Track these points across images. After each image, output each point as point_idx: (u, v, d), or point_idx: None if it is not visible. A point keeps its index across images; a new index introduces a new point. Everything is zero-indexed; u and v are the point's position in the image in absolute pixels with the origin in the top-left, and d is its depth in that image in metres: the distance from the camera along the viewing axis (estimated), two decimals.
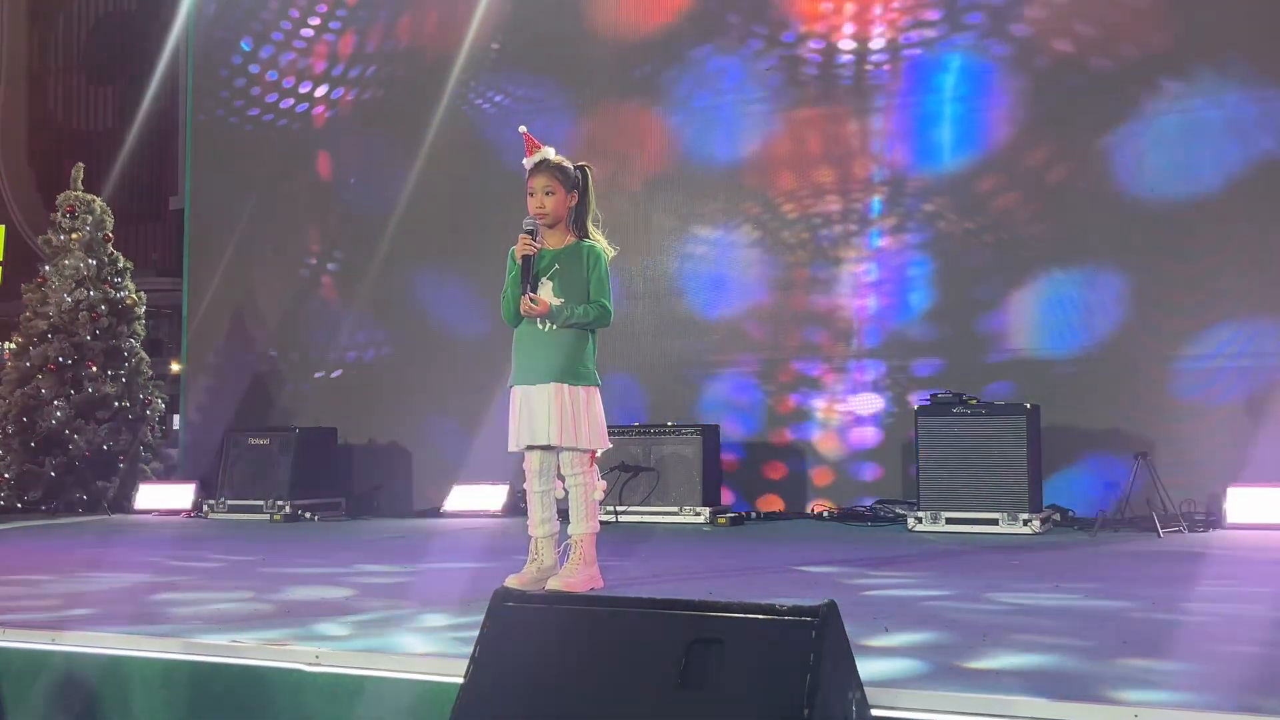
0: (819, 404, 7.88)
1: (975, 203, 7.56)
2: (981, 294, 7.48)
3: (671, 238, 8.37)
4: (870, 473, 7.69)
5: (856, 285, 7.85)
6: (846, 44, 7.88)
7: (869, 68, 7.83)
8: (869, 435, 7.72)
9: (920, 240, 7.70)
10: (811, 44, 7.99)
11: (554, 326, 4.08)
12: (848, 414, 7.77)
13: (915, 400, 7.22)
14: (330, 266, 9.69)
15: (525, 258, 4.05)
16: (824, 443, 7.84)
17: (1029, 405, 6.47)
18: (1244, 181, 6.85)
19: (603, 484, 4.18)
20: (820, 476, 7.81)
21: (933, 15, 7.69)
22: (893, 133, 7.81)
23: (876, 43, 7.81)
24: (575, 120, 8.69)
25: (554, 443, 4.04)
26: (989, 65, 7.54)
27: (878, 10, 7.81)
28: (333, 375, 9.55)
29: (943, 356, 7.55)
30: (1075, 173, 7.29)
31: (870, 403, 7.73)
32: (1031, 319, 7.33)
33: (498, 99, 9.03)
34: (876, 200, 7.84)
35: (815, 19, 7.98)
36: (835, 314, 7.89)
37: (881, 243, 7.81)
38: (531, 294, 4.03)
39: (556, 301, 4.07)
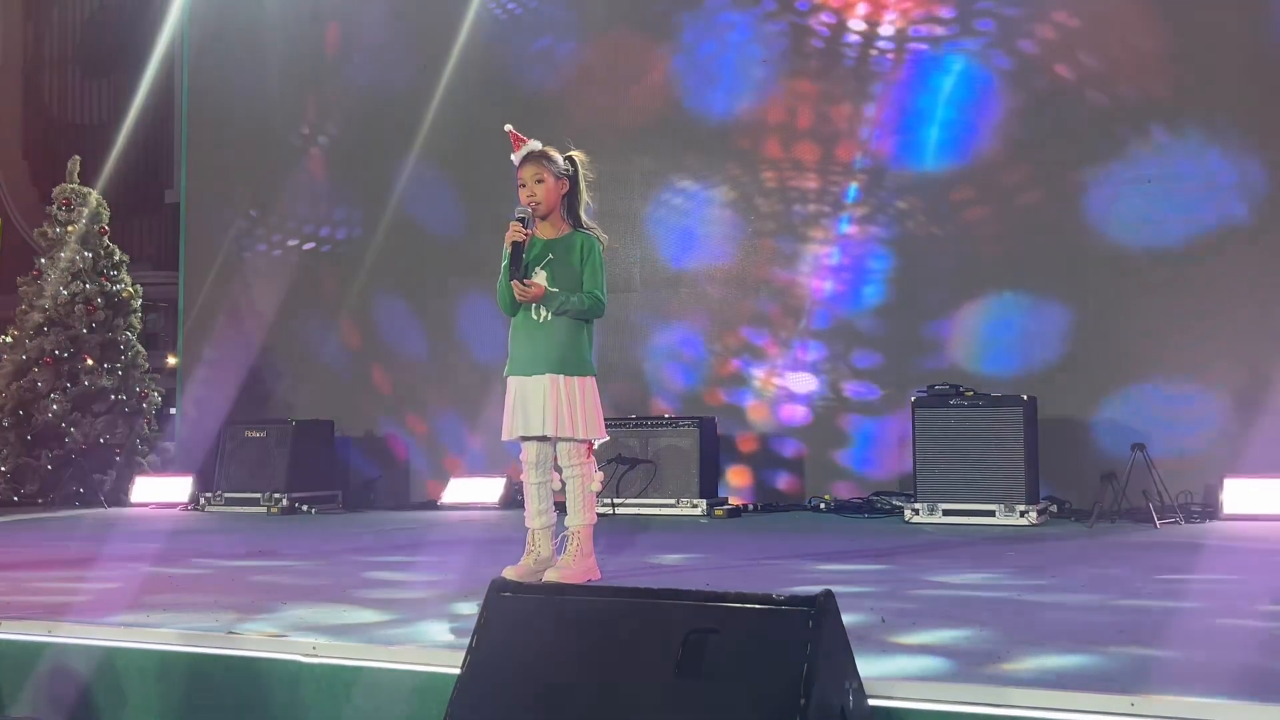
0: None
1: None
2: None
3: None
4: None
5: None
6: (856, 24, 7.84)
7: (873, 53, 7.80)
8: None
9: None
10: (823, 17, 7.93)
11: (549, 317, 4.08)
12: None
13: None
14: (325, 249, 9.69)
15: (515, 244, 4.05)
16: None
17: (1026, 397, 6.47)
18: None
19: (600, 475, 4.19)
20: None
21: (946, 13, 7.63)
22: (882, 123, 7.80)
23: (886, 29, 7.77)
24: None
25: (550, 434, 4.04)
26: (989, 76, 7.49)
27: None
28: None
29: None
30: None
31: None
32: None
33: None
34: (853, 186, 7.86)
35: None
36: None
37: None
38: (524, 280, 4.03)
39: (552, 289, 4.07)
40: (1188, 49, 7.01)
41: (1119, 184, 7.10)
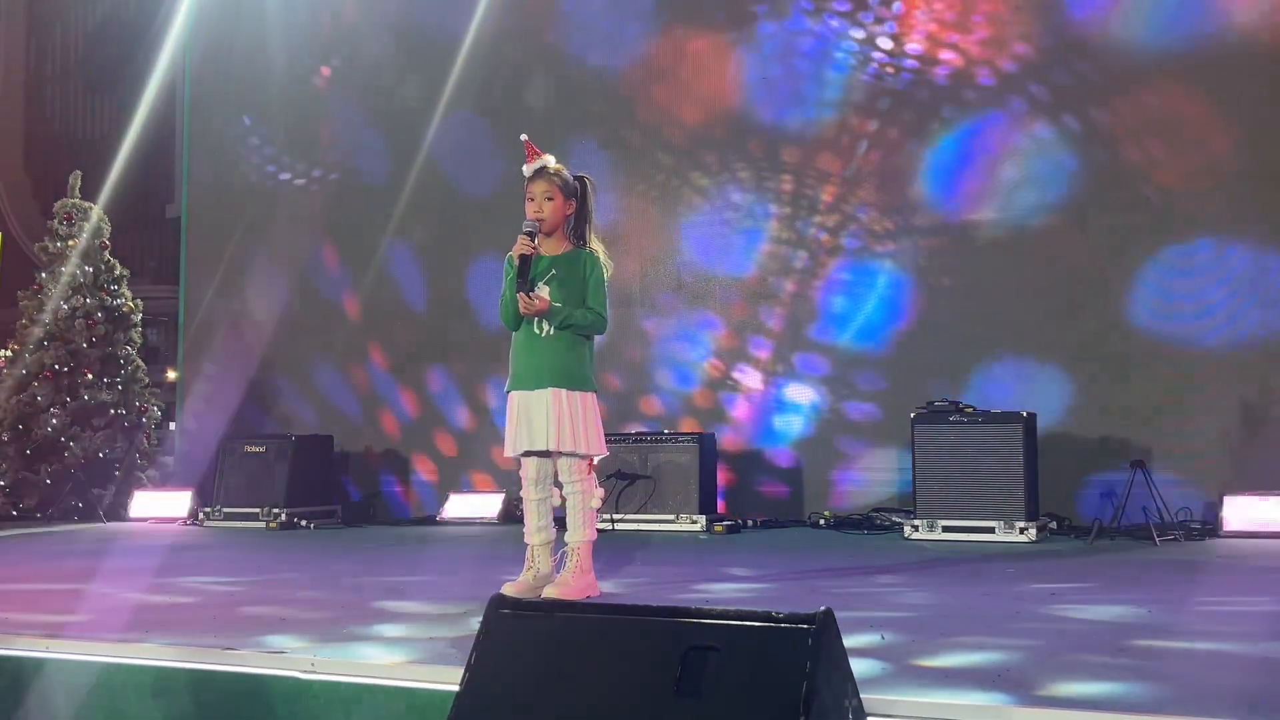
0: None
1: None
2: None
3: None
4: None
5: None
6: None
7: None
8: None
9: (899, 263, 7.73)
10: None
11: (551, 331, 4.09)
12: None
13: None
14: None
15: (523, 257, 4.07)
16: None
17: (1025, 413, 6.47)
18: None
19: (600, 491, 4.18)
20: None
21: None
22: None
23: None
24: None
25: (552, 448, 4.04)
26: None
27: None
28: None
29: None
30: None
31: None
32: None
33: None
34: (866, 208, 7.86)
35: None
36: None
37: (860, 248, 7.87)
38: (530, 293, 4.05)
39: (556, 304, 4.09)
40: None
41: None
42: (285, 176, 9.91)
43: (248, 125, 9.99)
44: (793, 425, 7.93)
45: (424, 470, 9.07)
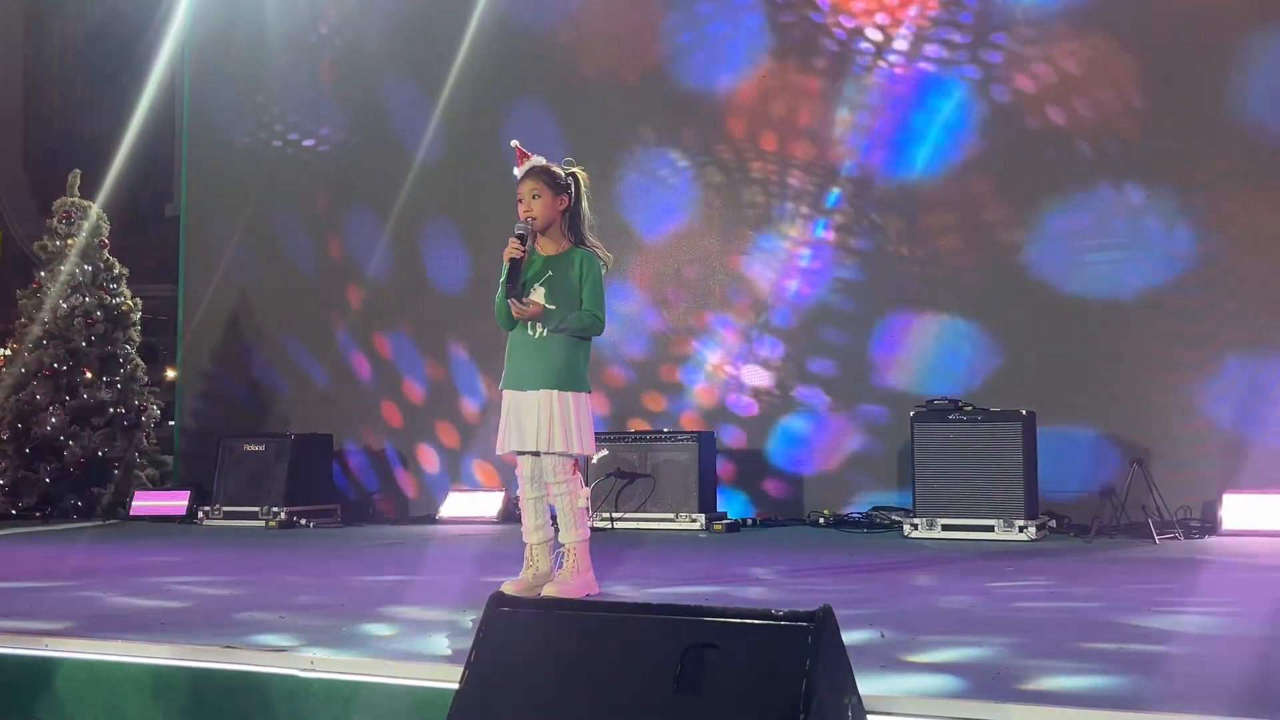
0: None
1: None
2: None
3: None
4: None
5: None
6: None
7: (882, 64, 7.79)
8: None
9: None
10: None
11: (545, 332, 4.09)
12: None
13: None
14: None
15: (513, 260, 4.06)
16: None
17: (1024, 411, 6.46)
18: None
19: (586, 491, 4.16)
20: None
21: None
22: (876, 133, 7.81)
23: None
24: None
25: (542, 449, 4.03)
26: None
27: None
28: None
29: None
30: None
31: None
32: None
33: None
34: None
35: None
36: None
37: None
38: (519, 298, 4.04)
39: (550, 307, 4.08)
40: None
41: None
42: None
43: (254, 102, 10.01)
44: (791, 424, 7.93)
45: (423, 469, 9.06)
